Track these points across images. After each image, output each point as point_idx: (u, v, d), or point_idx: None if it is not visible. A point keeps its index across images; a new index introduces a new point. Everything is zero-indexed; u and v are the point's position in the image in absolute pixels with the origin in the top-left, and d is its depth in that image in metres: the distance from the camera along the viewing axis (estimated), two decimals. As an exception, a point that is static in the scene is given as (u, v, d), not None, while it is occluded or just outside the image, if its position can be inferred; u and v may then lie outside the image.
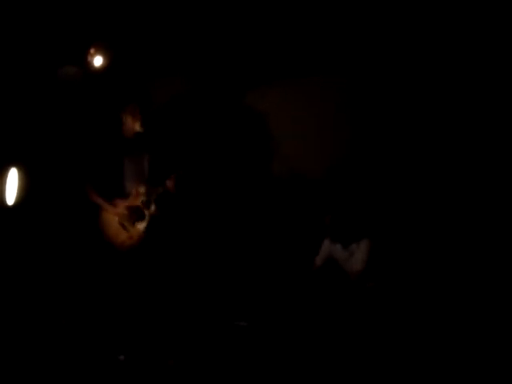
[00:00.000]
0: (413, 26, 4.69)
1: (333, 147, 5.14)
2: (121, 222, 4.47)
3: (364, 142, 5.08)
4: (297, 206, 5.23)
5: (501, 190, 4.70)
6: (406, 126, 4.94)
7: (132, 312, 4.43)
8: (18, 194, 3.80)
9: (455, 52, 4.72)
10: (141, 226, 4.52)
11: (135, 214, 4.51)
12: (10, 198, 3.79)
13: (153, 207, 4.51)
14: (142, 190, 4.50)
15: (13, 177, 3.84)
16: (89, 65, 4.49)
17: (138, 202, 4.52)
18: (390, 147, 5.02)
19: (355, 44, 4.89)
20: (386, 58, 4.89)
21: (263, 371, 3.97)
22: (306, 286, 4.65)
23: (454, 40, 4.69)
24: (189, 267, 4.97)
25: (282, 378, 3.90)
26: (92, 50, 4.47)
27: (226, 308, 4.67)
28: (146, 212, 4.50)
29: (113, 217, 4.48)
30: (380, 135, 5.04)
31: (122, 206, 4.48)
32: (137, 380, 3.95)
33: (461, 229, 4.78)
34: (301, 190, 5.22)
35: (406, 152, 4.99)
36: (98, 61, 4.51)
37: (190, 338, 4.38)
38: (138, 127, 4.46)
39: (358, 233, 4.50)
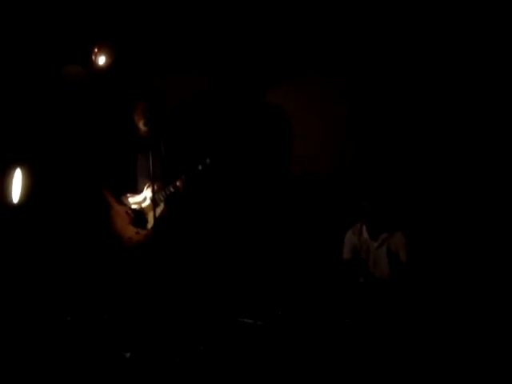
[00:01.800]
0: (414, 26, 4.67)
1: (337, 146, 5.12)
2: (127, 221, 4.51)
3: (369, 140, 5.05)
4: (306, 204, 5.20)
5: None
6: (410, 122, 4.91)
7: (138, 309, 4.44)
8: (22, 191, 3.82)
9: (455, 51, 4.68)
10: (148, 223, 4.54)
11: (136, 218, 4.53)
12: (16, 196, 3.82)
13: (161, 205, 4.50)
14: (151, 187, 4.50)
15: (18, 176, 3.86)
16: (93, 63, 4.49)
17: (147, 199, 4.54)
18: (396, 145, 4.99)
19: (358, 43, 4.87)
20: (387, 58, 4.86)
21: (269, 369, 3.95)
22: (331, 281, 4.60)
23: (454, 39, 4.65)
24: (196, 264, 4.97)
25: (288, 377, 3.90)
26: (96, 49, 4.47)
27: (232, 305, 4.67)
28: (151, 214, 4.50)
29: (121, 212, 4.52)
30: (385, 133, 5.01)
31: (126, 208, 4.52)
32: (142, 377, 3.95)
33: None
34: (309, 187, 5.19)
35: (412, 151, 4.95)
36: (101, 59, 4.51)
37: (195, 335, 4.38)
38: (141, 125, 4.47)
39: (393, 221, 4.43)
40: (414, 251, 4.36)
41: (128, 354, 4.19)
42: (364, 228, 4.53)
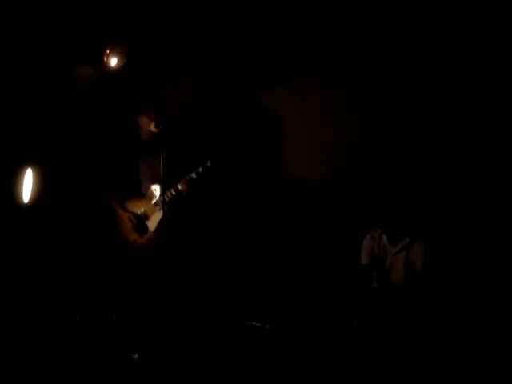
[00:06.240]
0: (414, 27, 4.64)
1: (339, 149, 5.09)
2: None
3: (373, 142, 5.02)
4: (314, 208, 5.17)
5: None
6: (424, 123, 4.85)
7: (145, 311, 4.45)
8: (32, 192, 3.84)
9: (456, 52, 4.65)
10: (151, 226, 4.55)
11: (138, 225, 4.55)
12: (26, 196, 3.84)
13: (165, 208, 4.51)
14: (156, 190, 4.52)
15: (28, 176, 3.88)
16: (104, 65, 4.51)
17: (152, 202, 4.55)
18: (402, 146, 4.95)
19: (355, 47, 4.84)
20: (385, 60, 4.83)
21: (276, 372, 3.94)
22: (344, 286, 4.55)
23: (455, 40, 4.62)
24: (201, 265, 4.96)
25: (295, 380, 3.88)
26: (108, 50, 4.48)
27: (240, 308, 4.66)
28: (153, 218, 4.52)
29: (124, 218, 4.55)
30: (398, 135, 4.97)
31: (129, 213, 4.55)
32: (150, 379, 3.95)
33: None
34: (311, 191, 5.16)
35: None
36: (113, 61, 4.52)
37: (203, 337, 4.38)
38: (153, 128, 4.47)
39: (412, 225, 4.32)
40: (431, 259, 4.25)
41: (136, 356, 4.20)
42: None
